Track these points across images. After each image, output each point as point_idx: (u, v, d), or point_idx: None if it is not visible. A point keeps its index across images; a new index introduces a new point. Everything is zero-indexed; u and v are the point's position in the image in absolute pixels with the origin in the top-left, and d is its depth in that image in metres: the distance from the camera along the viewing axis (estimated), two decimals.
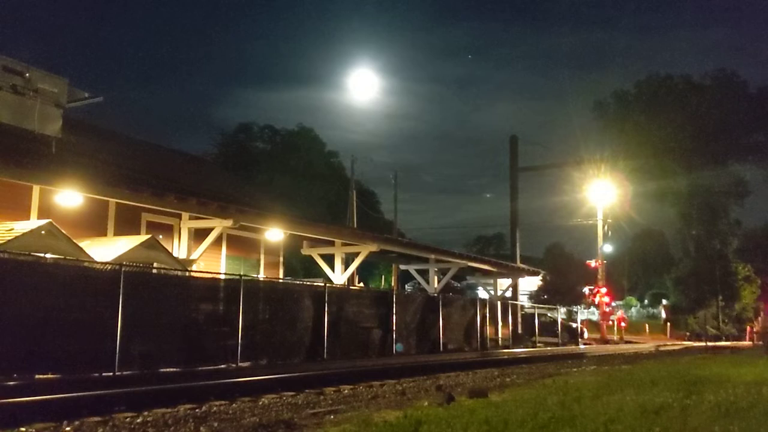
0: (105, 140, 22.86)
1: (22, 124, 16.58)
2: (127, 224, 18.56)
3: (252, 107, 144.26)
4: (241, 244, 23.50)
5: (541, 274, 48.37)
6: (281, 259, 26.00)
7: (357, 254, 25.01)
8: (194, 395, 10.28)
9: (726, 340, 48.53)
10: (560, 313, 41.44)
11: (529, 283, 54.59)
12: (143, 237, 16.99)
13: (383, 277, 51.92)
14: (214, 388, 11.13)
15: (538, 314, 36.18)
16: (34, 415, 8.07)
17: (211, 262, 21.17)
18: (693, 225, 60.49)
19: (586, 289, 55.94)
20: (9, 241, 12.96)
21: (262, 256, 24.75)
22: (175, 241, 20.27)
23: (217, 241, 20.76)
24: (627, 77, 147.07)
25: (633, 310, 67.20)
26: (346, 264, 26.68)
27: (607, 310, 49.00)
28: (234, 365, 15.57)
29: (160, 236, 18.32)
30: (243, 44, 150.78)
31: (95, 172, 16.43)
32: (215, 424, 7.98)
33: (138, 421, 8.25)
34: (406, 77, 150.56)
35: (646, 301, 69.89)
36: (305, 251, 26.63)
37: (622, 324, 48.63)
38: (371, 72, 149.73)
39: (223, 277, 18.70)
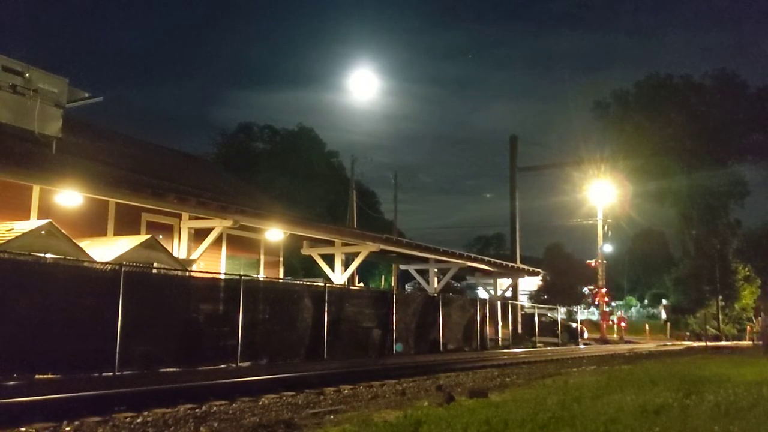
0: (105, 140, 22.85)
1: (22, 124, 16.56)
2: (127, 224, 18.56)
3: (252, 108, 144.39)
4: (241, 244, 23.50)
5: (541, 274, 48.39)
6: (281, 259, 26.00)
7: (357, 254, 25.00)
8: (194, 395, 10.27)
9: (726, 340, 48.53)
10: (560, 313, 41.44)
11: (529, 283, 54.62)
12: (143, 237, 16.98)
13: (383, 277, 51.94)
14: (214, 388, 11.12)
15: (538, 314, 36.17)
16: (34, 415, 8.06)
17: (211, 262, 21.17)
18: (693, 225, 60.50)
19: (586, 289, 55.97)
20: (9, 241, 12.95)
21: (262, 256, 24.74)
22: (175, 241, 20.27)
23: (217, 241, 20.76)
24: (627, 78, 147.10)
25: (633, 310, 67.22)
26: (346, 264, 26.68)
27: (607, 310, 49.00)
28: (234, 365, 15.57)
29: (160, 236, 18.32)
30: (243, 45, 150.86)
31: (95, 172, 16.43)
32: (215, 424, 7.98)
33: (138, 421, 8.25)
34: (405, 78, 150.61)
35: (646, 301, 69.90)
36: (305, 251, 26.62)
37: (622, 324, 48.64)
38: (370, 73, 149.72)
39: (223, 277, 18.69)
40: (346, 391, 11.93)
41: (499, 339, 30.69)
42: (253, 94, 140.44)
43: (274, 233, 22.25)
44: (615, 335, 47.38)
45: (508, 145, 43.34)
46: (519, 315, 36.00)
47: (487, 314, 28.92)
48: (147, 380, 12.29)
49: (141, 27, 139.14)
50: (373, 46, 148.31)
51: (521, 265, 37.90)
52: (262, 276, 23.15)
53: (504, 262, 35.48)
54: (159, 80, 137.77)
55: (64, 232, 14.31)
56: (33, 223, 14.86)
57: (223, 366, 15.32)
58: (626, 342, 44.20)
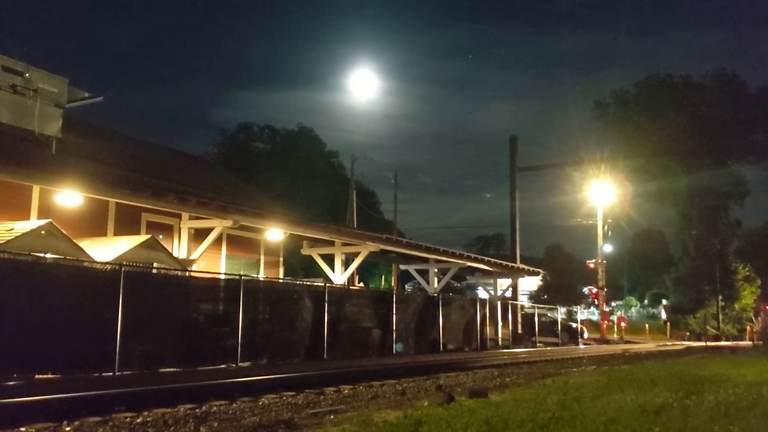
0: (105, 140, 22.86)
1: (22, 124, 16.57)
2: (127, 224, 18.56)
3: (252, 108, 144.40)
4: (241, 244, 23.50)
5: (541, 274, 48.37)
6: (281, 259, 26.00)
7: (357, 254, 25.00)
8: (194, 395, 10.26)
9: (726, 340, 48.54)
10: (560, 313, 41.44)
11: (529, 283, 54.59)
12: (143, 237, 16.98)
13: (383, 277, 51.93)
14: (214, 388, 11.12)
15: (538, 314, 36.17)
16: (34, 415, 8.06)
17: (211, 262, 21.17)
18: (693, 225, 60.50)
19: (585, 289, 55.97)
20: (9, 241, 12.95)
21: (262, 256, 24.74)
22: (175, 241, 20.27)
23: (217, 241, 20.75)
24: (627, 78, 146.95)
25: (633, 310, 67.21)
26: (346, 264, 26.68)
27: (607, 309, 49.00)
28: (234, 365, 15.57)
29: (160, 236, 18.32)
30: (243, 45, 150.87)
31: (95, 172, 16.43)
32: (215, 424, 7.98)
33: (138, 421, 8.25)
34: (405, 78, 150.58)
35: (646, 301, 69.89)
36: (305, 251, 26.62)
37: (622, 324, 48.66)
38: (370, 73, 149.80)
39: (223, 277, 18.69)
40: (346, 391, 11.93)
41: (499, 339, 30.68)
42: (253, 94, 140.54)
43: (274, 233, 22.25)
44: (615, 335, 47.38)
45: (508, 145, 43.34)
46: (519, 315, 35.98)
47: (487, 314, 28.92)
48: (147, 380, 12.28)
49: (141, 27, 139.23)
50: (373, 46, 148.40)
51: (521, 265, 37.89)
52: (262, 276, 23.15)
53: (504, 262, 35.48)
54: (159, 80, 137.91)
55: (64, 232, 14.31)
56: (33, 223, 14.86)
57: (223, 366, 15.32)
58: (626, 342, 44.18)
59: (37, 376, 11.62)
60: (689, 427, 7.09)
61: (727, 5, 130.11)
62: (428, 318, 24.43)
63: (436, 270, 31.13)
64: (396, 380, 13.88)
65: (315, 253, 26.37)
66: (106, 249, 15.65)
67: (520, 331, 34.89)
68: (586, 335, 43.46)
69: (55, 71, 17.74)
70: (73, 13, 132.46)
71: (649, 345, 39.98)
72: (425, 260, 30.26)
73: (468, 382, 13.83)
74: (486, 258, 34.31)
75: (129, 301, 13.29)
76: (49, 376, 11.85)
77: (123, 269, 13.43)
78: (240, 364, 15.71)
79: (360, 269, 35.10)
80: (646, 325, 55.84)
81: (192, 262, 18.52)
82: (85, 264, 13.49)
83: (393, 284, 44.19)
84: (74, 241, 14.61)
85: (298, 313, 18.14)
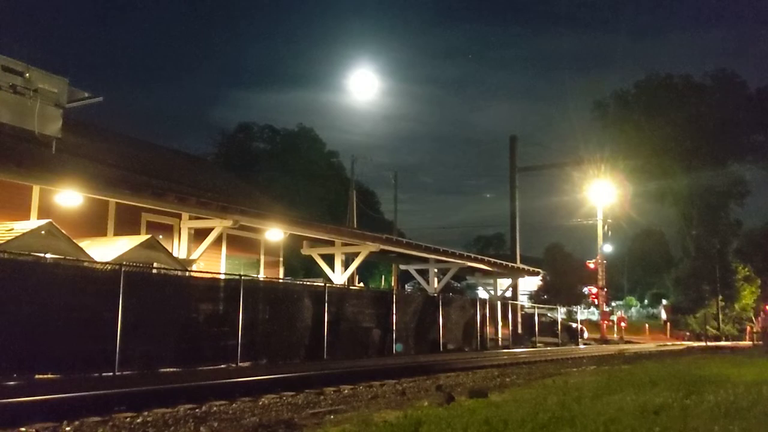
0: (105, 140, 22.86)
1: (22, 124, 16.58)
2: (127, 224, 18.56)
3: (251, 108, 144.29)
4: (241, 244, 23.50)
5: (541, 274, 48.36)
6: (281, 259, 26.00)
7: (357, 254, 25.00)
8: (194, 395, 10.27)
9: (726, 340, 48.55)
10: (560, 313, 41.44)
11: (529, 283, 54.63)
12: (143, 237, 16.98)
13: (383, 277, 51.92)
14: (214, 388, 11.12)
15: (538, 314, 36.17)
16: (34, 415, 8.06)
17: (211, 262, 21.17)
18: (693, 225, 60.50)
19: (585, 289, 56.00)
20: (9, 241, 12.96)
21: (262, 256, 24.75)
22: (175, 241, 20.27)
23: (217, 241, 20.75)
24: (627, 78, 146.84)
25: (633, 310, 67.22)
26: (346, 264, 26.67)
27: (607, 309, 48.99)
28: (234, 365, 15.57)
29: (160, 236, 18.32)
30: (242, 45, 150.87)
31: (95, 172, 16.43)
32: (215, 424, 7.98)
33: (138, 421, 8.25)
34: (405, 78, 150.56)
35: (646, 301, 69.91)
36: (305, 251, 26.62)
37: (622, 324, 48.65)
38: (370, 73, 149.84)
39: (223, 277, 18.70)
40: (346, 391, 11.94)
41: (499, 339, 30.68)
42: (253, 94, 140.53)
43: (274, 233, 22.25)
44: (615, 335, 47.37)
45: (507, 145, 43.33)
46: (519, 315, 35.96)
47: (487, 314, 28.92)
48: (147, 380, 12.29)
49: (141, 27, 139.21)
50: (373, 46, 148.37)
51: (521, 265, 37.87)
52: (262, 276, 23.14)
53: (504, 262, 35.45)
54: (159, 80, 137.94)
55: (64, 232, 14.31)
56: (33, 223, 14.86)
57: (223, 366, 15.32)
58: (626, 342, 44.17)
59: (37, 376, 11.63)
60: (689, 427, 7.09)
61: (727, 5, 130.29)
62: (428, 318, 24.43)
63: (436, 270, 31.12)
64: (396, 380, 13.88)
65: (315, 253, 26.37)
66: (106, 249, 15.65)
67: (520, 331, 34.88)
68: (586, 335, 43.45)
69: (55, 71, 17.76)
70: (73, 14, 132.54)
71: (649, 345, 39.96)
72: (425, 260, 30.25)
73: (468, 382, 13.83)
74: (486, 258, 34.29)
75: (129, 301, 13.29)
76: (49, 376, 11.86)
77: (123, 269, 13.43)
78: (240, 364, 15.72)
79: (360, 269, 35.08)
80: (646, 325, 55.83)
81: (192, 262, 18.52)
82: (85, 264, 13.49)
83: (393, 284, 44.20)
84: (74, 241, 14.61)
85: (298, 313, 18.14)
